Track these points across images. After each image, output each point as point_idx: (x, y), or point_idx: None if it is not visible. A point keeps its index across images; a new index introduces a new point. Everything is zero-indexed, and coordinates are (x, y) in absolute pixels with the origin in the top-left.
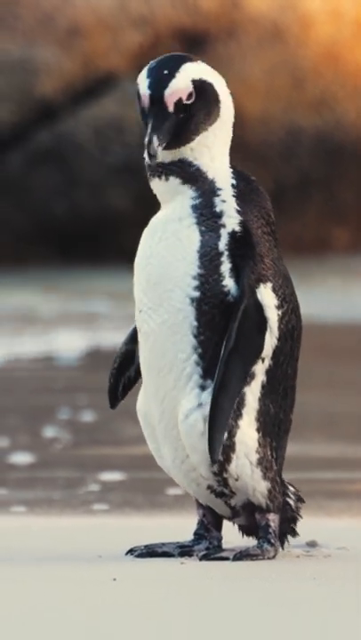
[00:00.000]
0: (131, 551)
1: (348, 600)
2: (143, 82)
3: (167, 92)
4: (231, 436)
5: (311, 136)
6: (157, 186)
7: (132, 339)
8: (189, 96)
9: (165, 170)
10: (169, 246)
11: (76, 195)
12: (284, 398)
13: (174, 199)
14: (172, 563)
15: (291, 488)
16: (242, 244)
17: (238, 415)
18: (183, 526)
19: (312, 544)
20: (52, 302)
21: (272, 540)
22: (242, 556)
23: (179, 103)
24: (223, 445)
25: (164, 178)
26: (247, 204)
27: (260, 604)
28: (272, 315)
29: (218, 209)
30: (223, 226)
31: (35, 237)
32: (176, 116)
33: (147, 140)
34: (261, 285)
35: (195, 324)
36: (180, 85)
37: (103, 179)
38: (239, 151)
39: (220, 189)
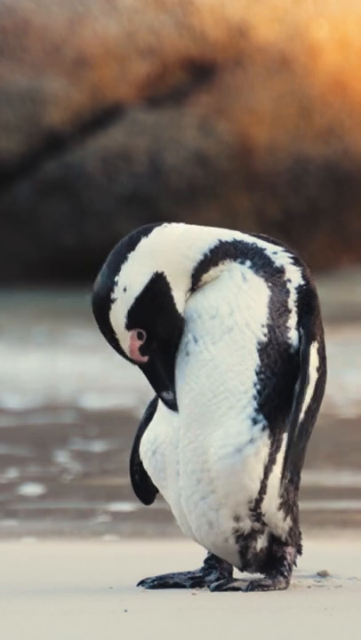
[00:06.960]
0: (142, 582)
1: (359, 630)
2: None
3: (128, 354)
4: (266, 478)
5: (319, 165)
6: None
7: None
8: (140, 335)
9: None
10: (238, 293)
11: (85, 225)
12: (305, 448)
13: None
14: (183, 593)
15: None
16: (307, 299)
17: (273, 460)
18: (194, 556)
19: (323, 574)
20: (61, 330)
21: (285, 573)
22: (254, 586)
23: (142, 347)
24: (261, 485)
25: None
26: (295, 257)
27: (271, 634)
28: (313, 375)
29: (277, 264)
30: (289, 280)
31: (43, 267)
32: (154, 359)
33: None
34: (312, 345)
35: (258, 362)
36: (128, 342)
37: (112, 208)
38: (247, 181)
39: (264, 248)
